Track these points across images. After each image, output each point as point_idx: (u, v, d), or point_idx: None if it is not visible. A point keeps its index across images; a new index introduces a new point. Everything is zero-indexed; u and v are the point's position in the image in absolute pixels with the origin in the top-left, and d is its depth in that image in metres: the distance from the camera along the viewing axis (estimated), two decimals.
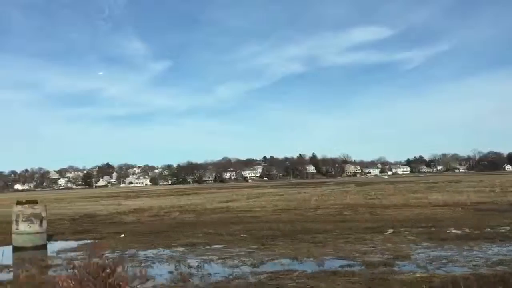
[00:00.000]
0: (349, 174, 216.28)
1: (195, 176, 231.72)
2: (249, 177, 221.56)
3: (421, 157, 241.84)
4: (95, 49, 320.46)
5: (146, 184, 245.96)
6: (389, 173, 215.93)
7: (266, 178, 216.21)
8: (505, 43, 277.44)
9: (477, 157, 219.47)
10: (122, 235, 15.40)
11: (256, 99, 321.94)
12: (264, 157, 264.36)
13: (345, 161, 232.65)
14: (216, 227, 16.50)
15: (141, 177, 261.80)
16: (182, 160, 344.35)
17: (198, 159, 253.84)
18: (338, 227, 14.79)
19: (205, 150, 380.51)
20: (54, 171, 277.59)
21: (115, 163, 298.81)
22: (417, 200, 26.50)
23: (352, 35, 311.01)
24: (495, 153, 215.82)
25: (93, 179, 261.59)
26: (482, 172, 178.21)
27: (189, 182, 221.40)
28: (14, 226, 14.28)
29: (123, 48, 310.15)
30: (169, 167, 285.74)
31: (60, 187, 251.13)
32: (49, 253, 13.25)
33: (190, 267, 9.33)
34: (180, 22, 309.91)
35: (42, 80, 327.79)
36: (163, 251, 11.82)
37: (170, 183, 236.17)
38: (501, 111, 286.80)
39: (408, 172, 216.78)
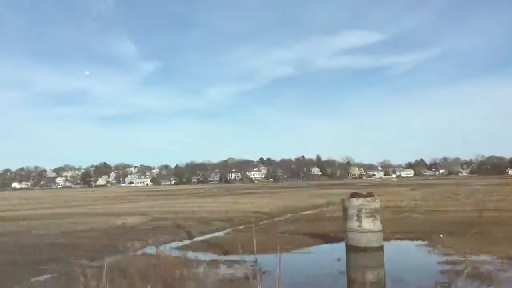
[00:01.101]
0: (355, 176, 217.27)
1: (199, 177, 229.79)
2: (254, 178, 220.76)
3: (422, 160, 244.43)
4: (85, 49, 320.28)
5: (147, 184, 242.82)
6: (393, 175, 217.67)
7: (271, 180, 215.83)
8: (505, 45, 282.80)
9: (479, 161, 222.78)
10: (441, 235, 14.73)
11: (246, 101, 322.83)
12: (261, 158, 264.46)
13: (348, 164, 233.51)
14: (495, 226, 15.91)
15: (142, 177, 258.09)
16: (174, 161, 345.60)
17: (189, 160, 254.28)
18: None
19: (195, 151, 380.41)
20: (51, 169, 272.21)
21: (106, 162, 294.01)
22: None
23: (343, 39, 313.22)
24: (497, 157, 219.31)
25: (92, 178, 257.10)
26: (486, 176, 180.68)
27: (194, 183, 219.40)
28: (354, 223, 13.30)
29: (113, 48, 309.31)
30: (166, 167, 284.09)
31: (58, 186, 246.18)
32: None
33: None
34: (171, 23, 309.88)
35: (32, 78, 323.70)
36: None
37: (173, 183, 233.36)
38: (501, 115, 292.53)
39: (412, 175, 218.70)
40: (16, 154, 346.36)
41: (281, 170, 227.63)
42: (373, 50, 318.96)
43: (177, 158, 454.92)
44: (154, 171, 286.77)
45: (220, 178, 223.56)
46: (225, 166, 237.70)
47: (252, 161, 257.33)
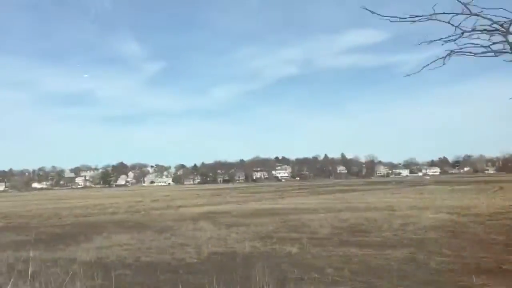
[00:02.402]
0: (382, 174, 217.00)
1: (223, 176, 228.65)
2: (280, 176, 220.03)
3: (445, 157, 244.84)
4: (91, 49, 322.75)
5: (169, 183, 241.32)
6: (420, 173, 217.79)
7: (298, 178, 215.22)
8: None
9: (505, 158, 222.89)
10: None
11: (251, 100, 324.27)
12: (276, 157, 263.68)
13: (372, 162, 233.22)
14: None
15: (163, 176, 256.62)
16: (178, 160, 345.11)
17: (195, 160, 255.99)
18: None
19: (202, 151, 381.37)
20: (69, 170, 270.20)
21: (123, 162, 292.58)
22: None
23: (348, 37, 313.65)
24: None
25: (112, 178, 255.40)
26: None
27: (220, 182, 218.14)
28: None
29: (119, 48, 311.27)
30: (183, 166, 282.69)
31: (78, 186, 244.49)
32: None
33: None
34: (175, 23, 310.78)
35: (37, 79, 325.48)
36: None
37: (196, 182, 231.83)
38: None
39: (438, 173, 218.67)
40: (18, 154, 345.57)
41: (306, 169, 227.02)
42: (378, 49, 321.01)
43: (183, 157, 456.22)
44: (171, 170, 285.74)
45: (246, 177, 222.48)
46: (246, 165, 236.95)
47: (268, 159, 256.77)
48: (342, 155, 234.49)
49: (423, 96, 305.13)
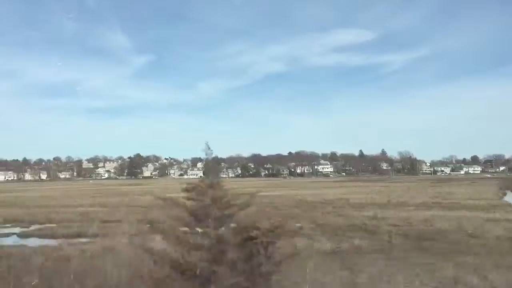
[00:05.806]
0: (427, 172, 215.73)
1: (266, 170, 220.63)
2: (325, 172, 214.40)
3: (475, 156, 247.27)
4: (78, 40, 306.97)
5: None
6: (462, 172, 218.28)
7: (344, 174, 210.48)
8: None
9: None
10: None
11: (238, 96, 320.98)
12: (290, 153, 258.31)
13: (411, 159, 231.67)
14: None
15: (194, 169, 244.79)
16: (171, 153, 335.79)
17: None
18: None
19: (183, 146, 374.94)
20: (86, 160, 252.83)
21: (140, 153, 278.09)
22: None
23: (335, 36, 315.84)
24: None
25: (138, 170, 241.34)
26: None
27: (263, 176, 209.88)
28: None
29: (106, 40, 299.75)
30: (200, 160, 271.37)
31: (103, 177, 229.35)
32: None
33: None
34: (165, 17, 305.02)
35: (21, 69, 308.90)
36: None
37: (234, 175, 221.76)
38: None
39: (479, 171, 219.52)
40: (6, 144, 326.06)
41: (348, 165, 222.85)
42: (364, 49, 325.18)
43: (173, 150, 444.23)
44: (187, 163, 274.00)
45: (290, 171, 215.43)
46: (254, 159, 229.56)
47: (282, 155, 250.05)
48: (383, 151, 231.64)
49: (406, 95, 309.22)
